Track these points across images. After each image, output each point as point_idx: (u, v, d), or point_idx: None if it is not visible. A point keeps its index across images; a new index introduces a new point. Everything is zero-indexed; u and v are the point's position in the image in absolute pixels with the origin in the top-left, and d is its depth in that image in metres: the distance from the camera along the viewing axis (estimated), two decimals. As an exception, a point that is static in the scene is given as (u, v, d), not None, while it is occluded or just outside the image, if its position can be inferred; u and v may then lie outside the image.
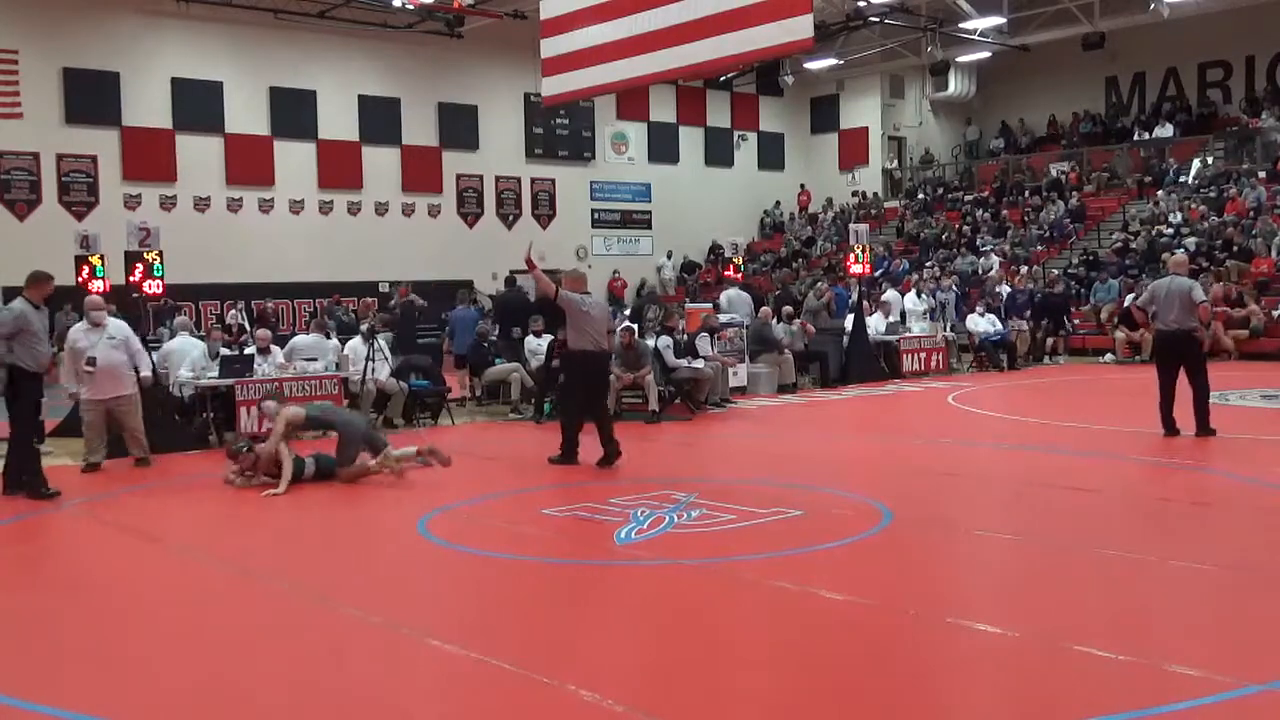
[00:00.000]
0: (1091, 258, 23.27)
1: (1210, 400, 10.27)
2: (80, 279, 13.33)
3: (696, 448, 11.42)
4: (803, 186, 32.10)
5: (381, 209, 25.41)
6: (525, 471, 9.92)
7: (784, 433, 12.34)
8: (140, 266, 11.55)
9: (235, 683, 4.59)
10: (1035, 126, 30.75)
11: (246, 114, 23.56)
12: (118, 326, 10.27)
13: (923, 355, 17.76)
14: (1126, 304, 20.28)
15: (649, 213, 30.04)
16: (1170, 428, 10.29)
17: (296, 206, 24.28)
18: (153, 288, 11.69)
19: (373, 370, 12.32)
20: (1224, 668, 4.32)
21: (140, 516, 8.18)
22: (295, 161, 24.17)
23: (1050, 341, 19.94)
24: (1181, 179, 25.32)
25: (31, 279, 9.07)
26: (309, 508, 8.47)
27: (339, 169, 24.76)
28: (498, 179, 27.30)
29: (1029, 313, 19.67)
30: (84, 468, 9.98)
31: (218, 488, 9.13)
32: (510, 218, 27.57)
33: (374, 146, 25.23)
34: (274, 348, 12.56)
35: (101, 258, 13.21)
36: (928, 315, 18.83)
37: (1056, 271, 22.69)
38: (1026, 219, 26.48)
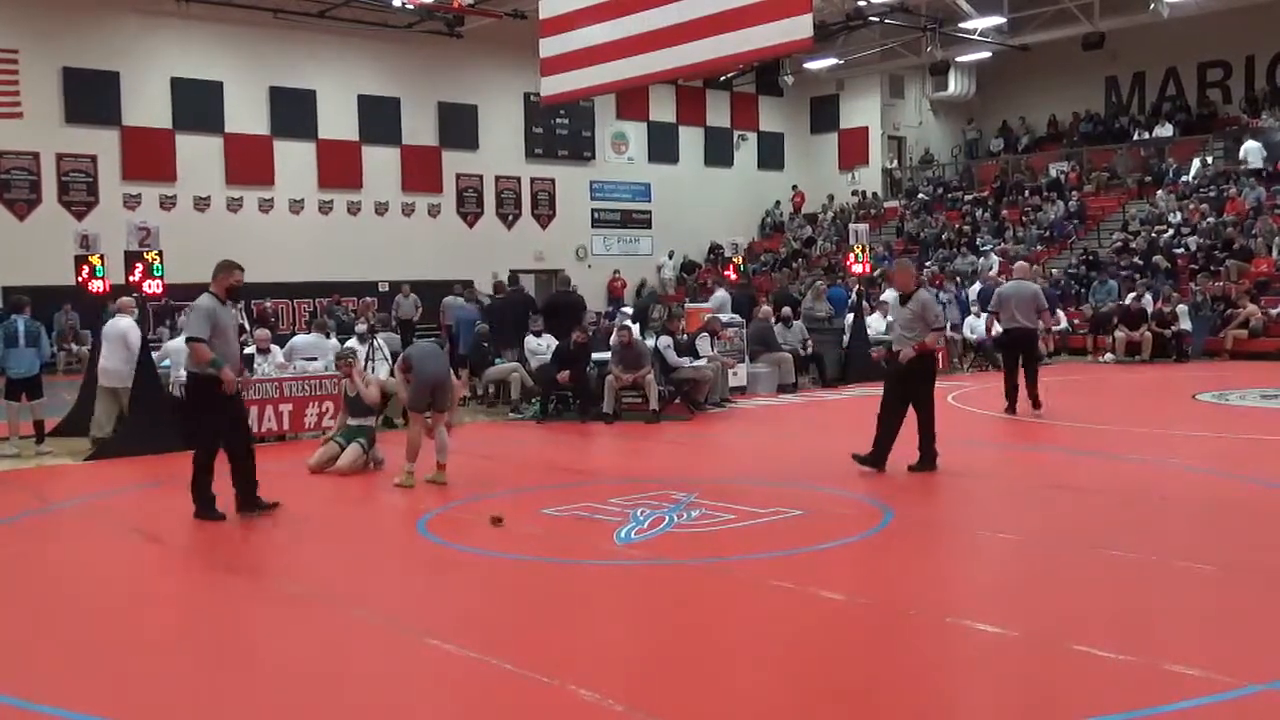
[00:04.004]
0: (1091, 258, 23.27)
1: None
2: (80, 279, 13.34)
3: (696, 448, 11.42)
4: (795, 188, 32.08)
5: (381, 209, 25.41)
6: (525, 471, 9.93)
7: (784, 432, 12.34)
8: (140, 266, 11.53)
9: (235, 682, 4.59)
10: (1035, 126, 30.75)
11: (246, 114, 23.56)
12: (113, 325, 11.37)
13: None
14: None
15: (649, 213, 30.04)
16: (1014, 407, 12.18)
17: (296, 206, 24.27)
18: (152, 288, 11.68)
19: (373, 369, 12.32)
20: (1224, 668, 4.32)
21: (141, 516, 8.18)
22: (295, 161, 24.16)
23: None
24: (1182, 179, 25.31)
25: (216, 270, 7.94)
26: (310, 507, 8.47)
27: (339, 169, 24.76)
28: (498, 179, 27.30)
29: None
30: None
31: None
32: (510, 217, 27.57)
33: (374, 146, 25.23)
34: (274, 347, 12.60)
35: (101, 257, 13.20)
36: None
37: (1056, 271, 22.70)
38: (1026, 219, 26.47)
